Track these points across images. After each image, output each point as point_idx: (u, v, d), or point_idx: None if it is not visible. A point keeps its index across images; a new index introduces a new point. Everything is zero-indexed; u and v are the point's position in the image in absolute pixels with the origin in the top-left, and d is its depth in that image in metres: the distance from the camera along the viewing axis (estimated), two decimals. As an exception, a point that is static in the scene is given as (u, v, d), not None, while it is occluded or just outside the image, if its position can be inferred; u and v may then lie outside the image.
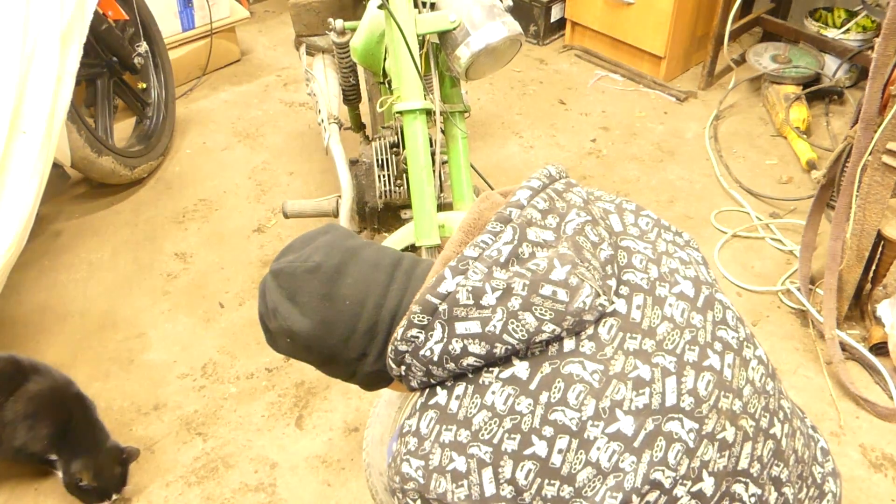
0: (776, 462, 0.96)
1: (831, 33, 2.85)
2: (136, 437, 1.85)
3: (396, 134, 1.89)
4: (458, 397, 0.89)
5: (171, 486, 1.75)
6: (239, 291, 2.23)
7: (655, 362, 0.89)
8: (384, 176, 1.86)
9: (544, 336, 0.87)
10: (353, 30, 1.98)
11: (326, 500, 1.73)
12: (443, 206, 1.82)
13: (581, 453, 0.85)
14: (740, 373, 0.94)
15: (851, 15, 2.94)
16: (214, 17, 3.06)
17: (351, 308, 0.95)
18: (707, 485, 0.88)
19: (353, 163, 2.00)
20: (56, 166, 2.41)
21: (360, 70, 2.17)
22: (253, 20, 3.57)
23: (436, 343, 0.88)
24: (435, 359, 0.89)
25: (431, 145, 1.64)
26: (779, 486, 0.96)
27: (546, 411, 0.85)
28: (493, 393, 0.87)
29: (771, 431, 0.96)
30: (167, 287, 2.25)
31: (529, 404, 0.86)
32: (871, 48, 2.61)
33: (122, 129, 2.77)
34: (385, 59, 1.91)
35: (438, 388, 0.92)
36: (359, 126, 2.33)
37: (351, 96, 2.20)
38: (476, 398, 0.88)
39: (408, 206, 1.89)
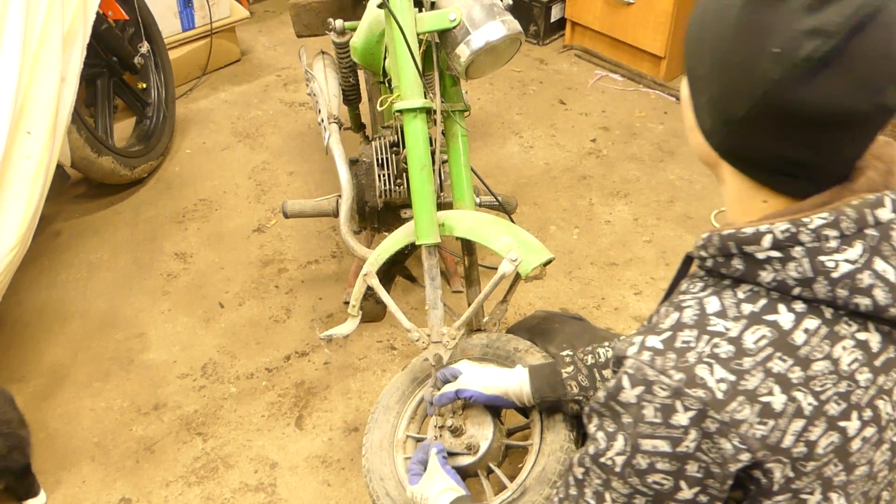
0: None
1: (831, 33, 2.85)
2: (136, 437, 1.84)
3: (396, 133, 1.88)
4: (807, 331, 0.78)
5: (171, 486, 1.75)
6: (239, 291, 2.23)
7: None
8: (384, 175, 1.85)
9: None
10: (353, 30, 1.98)
11: (326, 500, 1.72)
12: (443, 206, 1.82)
13: (873, 449, 0.81)
14: None
15: (851, 14, 2.93)
16: (214, 17, 3.06)
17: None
18: None
19: (353, 162, 2.00)
20: (56, 166, 2.41)
21: (360, 70, 2.17)
22: (253, 20, 3.57)
23: (847, 262, 0.75)
24: (836, 276, 0.75)
25: (431, 144, 1.64)
26: None
27: (877, 394, 0.79)
28: (844, 349, 0.78)
29: None
30: (167, 287, 2.25)
31: (868, 379, 0.79)
32: (872, 48, 2.60)
33: (122, 129, 2.77)
34: (385, 58, 1.90)
35: (781, 306, 0.79)
36: (359, 126, 2.33)
37: (351, 96, 2.19)
38: (826, 344, 0.78)
39: (408, 205, 1.88)
